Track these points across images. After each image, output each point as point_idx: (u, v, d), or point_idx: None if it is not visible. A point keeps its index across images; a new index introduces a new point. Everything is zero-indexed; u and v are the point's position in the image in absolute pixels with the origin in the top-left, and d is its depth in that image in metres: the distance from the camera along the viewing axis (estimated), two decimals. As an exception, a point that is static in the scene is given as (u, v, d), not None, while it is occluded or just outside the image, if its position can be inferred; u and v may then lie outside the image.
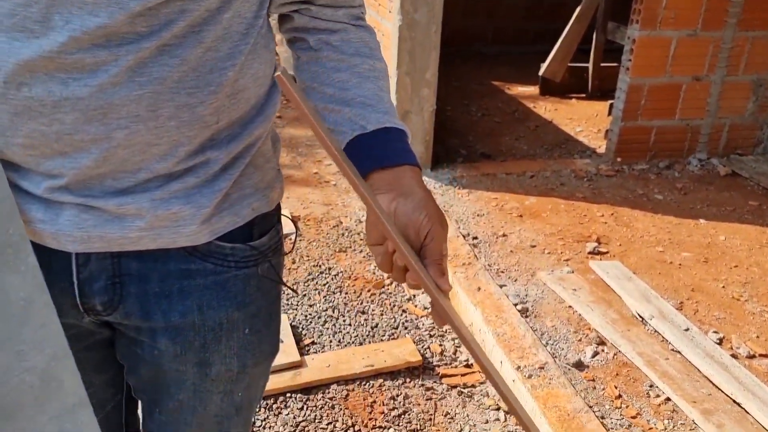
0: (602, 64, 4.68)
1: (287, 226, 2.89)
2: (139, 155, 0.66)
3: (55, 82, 0.61)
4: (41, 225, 0.69)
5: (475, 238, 2.73)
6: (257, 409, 1.86)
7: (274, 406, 1.88)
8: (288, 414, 1.86)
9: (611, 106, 3.68)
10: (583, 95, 4.78)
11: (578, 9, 4.56)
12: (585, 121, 4.35)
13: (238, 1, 0.67)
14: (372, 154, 0.73)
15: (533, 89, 4.92)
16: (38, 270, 0.66)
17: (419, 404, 1.93)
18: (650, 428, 1.77)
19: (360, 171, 0.73)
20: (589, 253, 2.65)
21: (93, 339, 0.82)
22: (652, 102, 3.46)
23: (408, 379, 2.02)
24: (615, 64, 4.24)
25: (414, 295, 2.43)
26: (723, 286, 2.46)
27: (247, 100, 0.73)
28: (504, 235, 2.78)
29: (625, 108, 3.44)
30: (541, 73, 4.73)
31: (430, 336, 2.23)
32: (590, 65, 4.71)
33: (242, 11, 0.68)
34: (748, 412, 1.80)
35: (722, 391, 1.87)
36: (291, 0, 0.76)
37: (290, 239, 2.79)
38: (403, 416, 1.88)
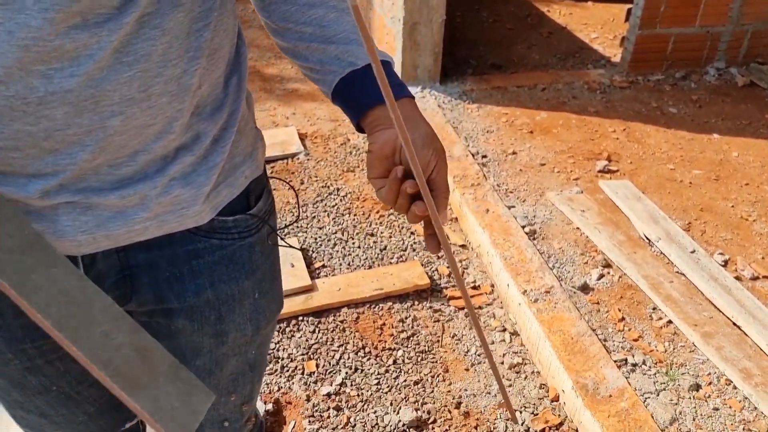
0: (621, -37, 4.44)
1: (294, 145, 2.87)
2: (136, 139, 0.64)
3: (35, 76, 0.55)
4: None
5: (485, 156, 2.71)
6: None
7: (287, 329, 1.95)
8: (300, 337, 1.93)
9: (629, 12, 3.52)
10: (600, -3, 4.58)
11: None
12: (601, 27, 4.18)
13: None
14: (369, 90, 0.71)
15: (548, -9, 4.70)
16: (66, 259, 0.66)
17: (427, 326, 1.99)
18: (651, 351, 1.83)
19: (360, 108, 0.72)
20: (599, 171, 2.63)
21: None
22: (672, 8, 3.30)
23: (416, 302, 2.07)
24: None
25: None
26: (732, 206, 2.46)
27: (222, 58, 0.70)
28: (513, 153, 2.75)
29: (643, 15, 3.29)
30: (556, -27, 4.49)
31: (438, 258, 2.27)
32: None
33: None
34: (747, 335, 1.85)
35: (724, 314, 1.92)
36: None
37: (298, 159, 2.78)
38: (411, 338, 1.95)
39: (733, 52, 3.54)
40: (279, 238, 0.87)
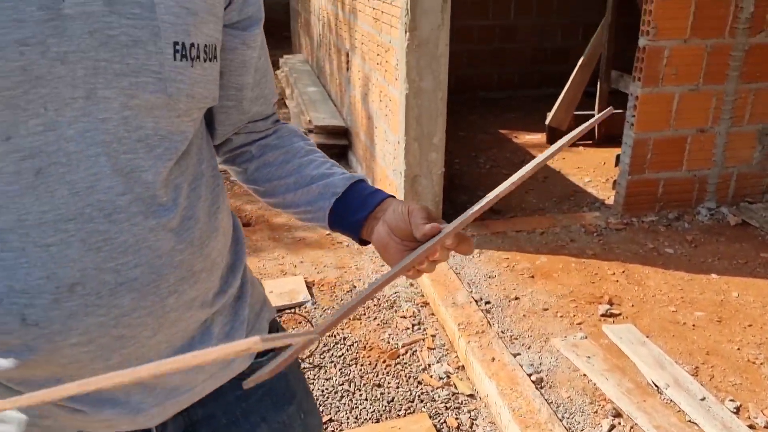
0: (608, 112, 4.74)
1: (301, 294, 2.93)
2: (187, 312, 0.72)
3: (106, 272, 0.63)
4: (117, 418, 0.71)
5: (488, 302, 2.76)
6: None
7: (294, 491, 1.90)
8: (307, 499, 1.87)
9: (618, 157, 3.72)
10: (590, 142, 4.84)
11: (581, 59, 4.65)
12: (593, 170, 4.39)
13: (205, 148, 0.77)
14: (357, 208, 0.83)
15: (540, 137, 4.98)
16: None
17: (437, 485, 1.94)
18: None
19: (355, 226, 0.82)
20: (602, 315, 2.66)
21: None
22: (658, 155, 3.50)
23: (425, 458, 2.03)
24: (620, 110, 4.29)
25: (429, 365, 2.45)
26: (738, 348, 2.46)
27: (228, 229, 0.82)
28: (516, 298, 2.80)
29: (631, 162, 3.48)
30: (547, 122, 4.79)
31: (447, 408, 2.25)
32: (596, 113, 4.78)
33: (207, 156, 0.78)
34: (767, 490, 1.79)
35: (741, 467, 1.87)
36: (237, 125, 0.87)
37: (305, 308, 2.83)
38: (421, 498, 1.89)
39: (722, 193, 3.70)
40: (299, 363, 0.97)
